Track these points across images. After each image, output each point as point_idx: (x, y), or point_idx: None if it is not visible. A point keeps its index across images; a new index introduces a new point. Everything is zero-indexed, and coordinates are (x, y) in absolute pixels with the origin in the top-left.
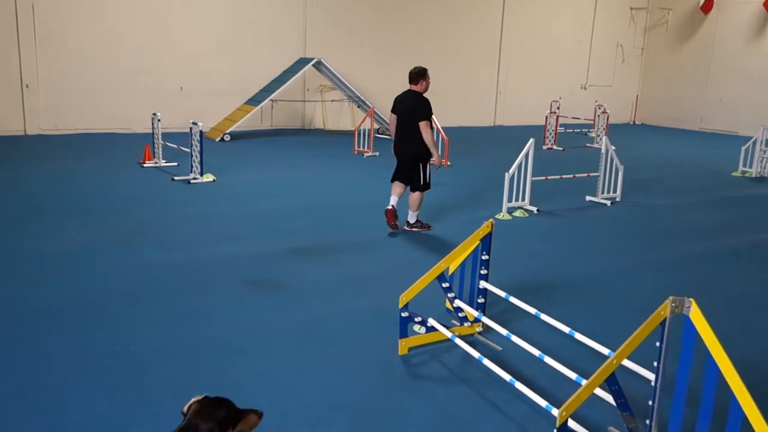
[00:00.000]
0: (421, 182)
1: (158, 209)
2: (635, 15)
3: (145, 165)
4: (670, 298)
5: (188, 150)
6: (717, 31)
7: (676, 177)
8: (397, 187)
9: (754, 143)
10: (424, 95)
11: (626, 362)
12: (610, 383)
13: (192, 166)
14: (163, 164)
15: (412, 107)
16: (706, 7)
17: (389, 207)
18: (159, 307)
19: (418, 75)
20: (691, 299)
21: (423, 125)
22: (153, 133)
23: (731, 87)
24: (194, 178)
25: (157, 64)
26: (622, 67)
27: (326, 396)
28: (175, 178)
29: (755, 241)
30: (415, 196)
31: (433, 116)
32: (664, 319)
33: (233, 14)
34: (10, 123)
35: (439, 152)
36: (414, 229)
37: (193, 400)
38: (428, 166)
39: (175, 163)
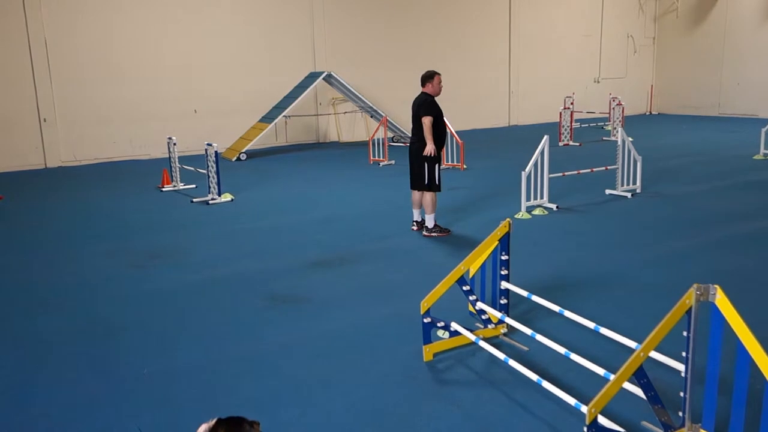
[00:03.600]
0: (427, 181)
1: (178, 231)
2: (644, 4)
3: (163, 189)
4: (695, 285)
5: (205, 171)
6: (728, 14)
7: (696, 164)
8: (415, 196)
9: None
10: (434, 97)
11: (654, 354)
12: (639, 376)
13: (210, 187)
14: (181, 187)
15: (418, 107)
16: None
17: (413, 226)
18: (183, 328)
19: (426, 78)
20: (716, 286)
21: (424, 119)
22: (170, 157)
23: (748, 69)
24: (212, 199)
25: (169, 88)
26: (635, 57)
27: (353, 407)
28: (194, 200)
29: None
30: (427, 197)
31: (444, 117)
32: (690, 308)
33: (241, 34)
34: (30, 157)
35: (444, 150)
36: (433, 234)
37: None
38: (435, 167)
39: (194, 185)
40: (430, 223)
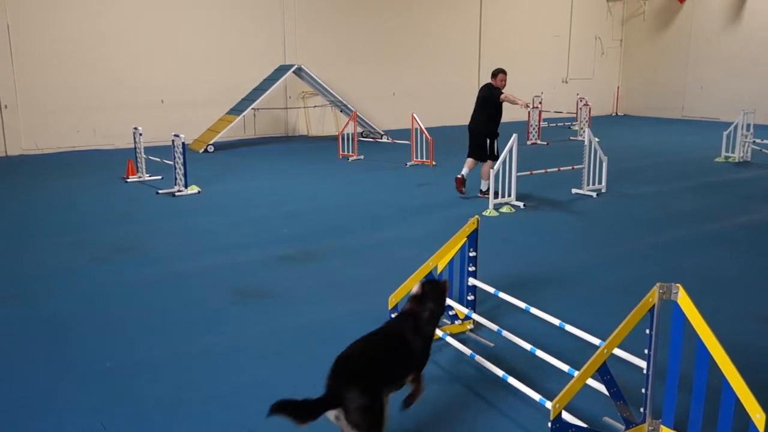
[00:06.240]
0: (488, 152)
1: (143, 224)
2: (612, 7)
3: (128, 180)
4: (658, 284)
5: (171, 163)
6: (693, 19)
7: (660, 165)
8: (470, 162)
9: (736, 128)
10: (500, 88)
11: (618, 351)
12: (602, 373)
13: (176, 179)
14: (146, 178)
15: (486, 96)
16: None
17: (459, 176)
18: (147, 322)
19: (493, 73)
20: (678, 285)
21: (502, 97)
22: (135, 148)
23: (711, 74)
24: (179, 191)
25: (136, 78)
26: (602, 59)
27: None
28: (160, 191)
29: (739, 224)
30: (485, 166)
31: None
32: (653, 306)
33: (211, 24)
34: None
35: (525, 100)
36: (486, 195)
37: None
38: (494, 141)
39: (159, 177)
40: (484, 186)
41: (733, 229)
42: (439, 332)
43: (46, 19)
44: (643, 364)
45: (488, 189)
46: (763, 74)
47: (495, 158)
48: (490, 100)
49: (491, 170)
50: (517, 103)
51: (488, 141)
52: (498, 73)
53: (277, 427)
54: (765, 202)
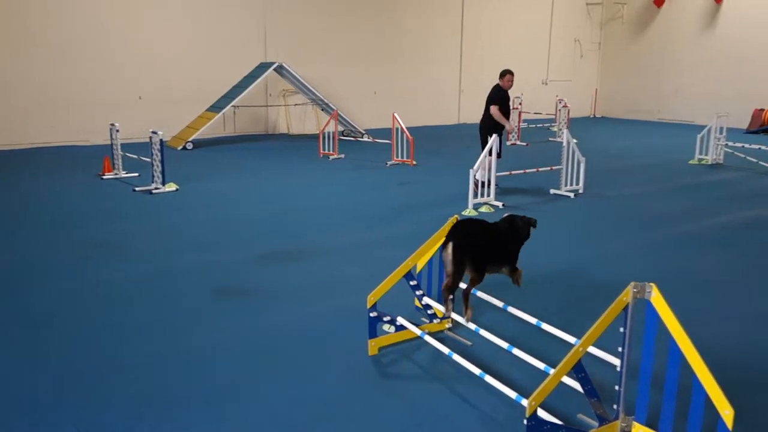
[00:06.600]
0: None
1: (119, 221)
2: (591, 10)
3: (104, 177)
4: (632, 284)
5: (149, 160)
6: (670, 24)
7: (636, 167)
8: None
9: (709, 131)
10: (505, 90)
11: (592, 349)
12: (577, 371)
13: (153, 176)
14: (123, 175)
15: (489, 96)
16: (659, 1)
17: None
18: (124, 321)
19: (500, 74)
20: (651, 284)
21: (493, 111)
22: (112, 144)
23: (686, 78)
24: (156, 188)
25: (114, 73)
26: (581, 61)
27: (297, 400)
28: (137, 189)
29: (712, 225)
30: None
31: (509, 102)
32: (627, 305)
33: (191, 20)
34: None
35: (510, 123)
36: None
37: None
38: (499, 138)
39: (136, 174)
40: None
41: (707, 231)
42: (417, 331)
43: (21, 12)
44: (617, 362)
45: (480, 183)
46: (736, 78)
47: (498, 155)
48: (488, 102)
49: (479, 170)
50: (501, 123)
51: (490, 137)
52: (505, 74)
53: (254, 425)
54: (736, 204)
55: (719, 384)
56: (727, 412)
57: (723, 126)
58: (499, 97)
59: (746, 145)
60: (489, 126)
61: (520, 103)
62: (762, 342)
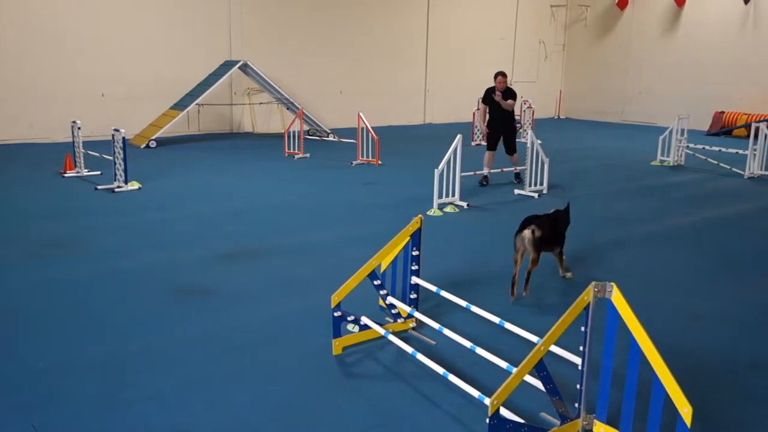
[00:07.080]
0: (495, 145)
1: (80, 220)
2: (555, 12)
3: (66, 175)
4: (593, 283)
5: (111, 158)
6: (633, 26)
7: (599, 168)
8: (490, 158)
9: (671, 133)
10: (497, 90)
11: (554, 348)
12: (539, 370)
13: (116, 175)
14: (85, 173)
15: (483, 95)
16: (622, 3)
17: (482, 179)
18: (83, 320)
19: (494, 76)
20: (612, 284)
21: (480, 106)
22: (73, 142)
23: (649, 79)
24: (118, 187)
25: (75, 69)
26: (545, 63)
27: (259, 401)
28: (99, 187)
29: (672, 226)
30: (487, 155)
31: (485, 103)
32: (588, 304)
33: (155, 16)
34: None
35: (485, 129)
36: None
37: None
38: (510, 136)
39: (98, 172)
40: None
41: (667, 231)
42: (381, 330)
43: None
44: (578, 360)
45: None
46: (697, 80)
47: (489, 148)
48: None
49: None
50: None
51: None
52: (497, 75)
53: (214, 426)
54: (696, 205)
55: (678, 382)
56: (686, 410)
57: (684, 128)
58: (486, 97)
59: (707, 147)
60: (503, 125)
61: None
62: (722, 340)
